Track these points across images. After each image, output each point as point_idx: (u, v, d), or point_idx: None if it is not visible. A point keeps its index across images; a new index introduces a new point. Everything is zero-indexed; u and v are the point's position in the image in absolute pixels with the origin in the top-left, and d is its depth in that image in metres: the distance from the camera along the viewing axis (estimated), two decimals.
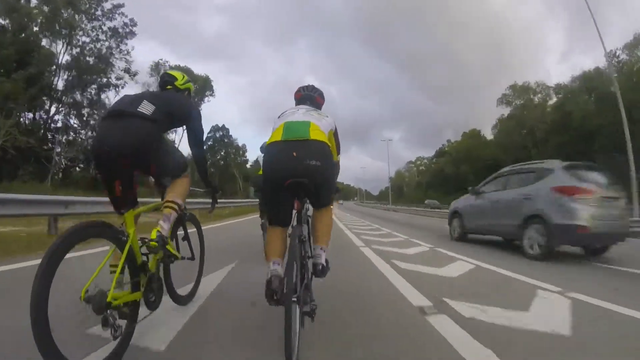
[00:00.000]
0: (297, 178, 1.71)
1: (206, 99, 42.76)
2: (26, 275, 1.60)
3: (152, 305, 1.78)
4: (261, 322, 2.05)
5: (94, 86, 28.75)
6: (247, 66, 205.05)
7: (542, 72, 78.08)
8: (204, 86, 41.97)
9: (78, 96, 28.00)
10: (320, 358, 1.66)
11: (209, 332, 1.94)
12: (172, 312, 2.14)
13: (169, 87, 2.15)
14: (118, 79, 29.77)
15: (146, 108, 1.74)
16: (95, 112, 28.03)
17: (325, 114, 2.09)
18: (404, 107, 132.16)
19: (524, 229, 5.24)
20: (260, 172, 2.60)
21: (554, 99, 38.42)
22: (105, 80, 29.10)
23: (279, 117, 2.03)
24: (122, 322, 1.50)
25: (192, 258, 2.31)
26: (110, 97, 28.80)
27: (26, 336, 1.18)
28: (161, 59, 39.06)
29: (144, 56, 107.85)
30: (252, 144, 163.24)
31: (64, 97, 27.47)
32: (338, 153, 2.24)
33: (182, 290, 2.31)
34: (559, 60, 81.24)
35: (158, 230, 1.69)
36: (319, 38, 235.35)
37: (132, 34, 29.85)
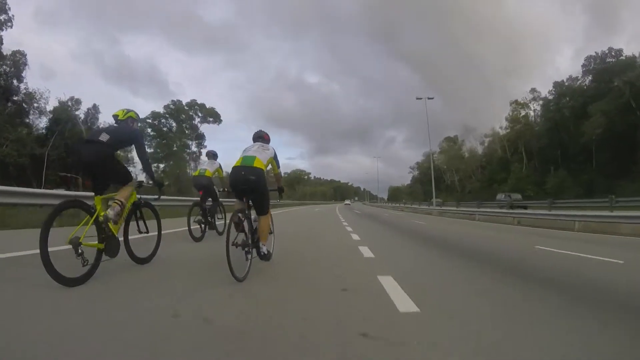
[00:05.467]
0: (243, 185, 3.29)
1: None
2: None
3: (111, 254, 2.91)
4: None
5: None
6: (246, 61, 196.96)
7: (551, 71, 74.46)
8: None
9: None
10: None
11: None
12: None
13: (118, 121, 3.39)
14: None
15: (103, 136, 2.95)
16: None
17: (267, 147, 3.65)
18: (408, 106, 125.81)
19: None
20: (197, 173, 5.45)
21: None
22: None
23: (243, 150, 3.55)
24: (90, 257, 2.65)
25: (147, 232, 3.47)
26: None
27: None
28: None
29: (140, 49, 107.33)
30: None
31: None
32: (278, 167, 3.77)
33: (142, 254, 3.41)
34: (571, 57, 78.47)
35: (105, 213, 2.86)
36: (323, 33, 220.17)
37: None
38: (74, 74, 68.95)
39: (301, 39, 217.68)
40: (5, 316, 1.93)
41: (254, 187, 3.30)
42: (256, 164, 3.34)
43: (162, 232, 3.81)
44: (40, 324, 1.84)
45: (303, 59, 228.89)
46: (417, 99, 29.69)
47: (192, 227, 5.34)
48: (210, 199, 5.97)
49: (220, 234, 5.97)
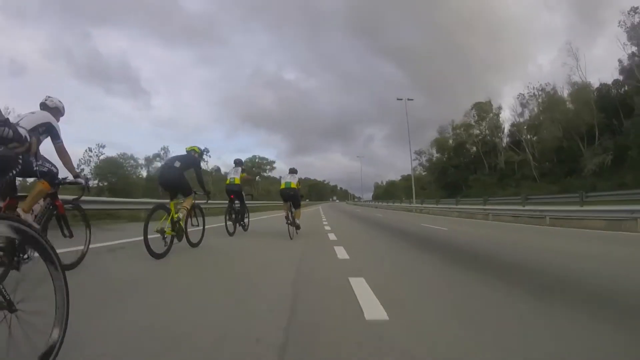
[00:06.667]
0: (288, 197, 6.97)
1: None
2: None
3: (179, 239, 4.45)
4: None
5: None
6: (223, 57, 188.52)
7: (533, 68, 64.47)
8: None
9: None
10: None
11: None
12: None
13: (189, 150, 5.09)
14: None
15: (177, 163, 4.56)
16: None
17: (295, 176, 7.20)
18: (389, 102, 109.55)
19: None
20: (228, 182, 7.39)
21: None
22: None
23: (282, 178, 7.67)
24: (167, 240, 4.22)
25: (198, 226, 5.08)
26: None
27: None
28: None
29: (112, 43, 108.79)
30: (222, 147, 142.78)
31: None
32: (300, 184, 7.25)
33: (194, 240, 4.97)
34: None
35: (177, 216, 4.43)
36: (302, 26, 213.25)
37: None
38: (44, 70, 68.65)
39: (280, 33, 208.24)
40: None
41: (294, 196, 6.95)
42: (292, 185, 7.00)
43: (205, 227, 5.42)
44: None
45: (281, 54, 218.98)
46: (398, 99, 31.47)
47: (227, 224, 6.97)
48: (238, 202, 7.39)
49: (245, 230, 7.59)
